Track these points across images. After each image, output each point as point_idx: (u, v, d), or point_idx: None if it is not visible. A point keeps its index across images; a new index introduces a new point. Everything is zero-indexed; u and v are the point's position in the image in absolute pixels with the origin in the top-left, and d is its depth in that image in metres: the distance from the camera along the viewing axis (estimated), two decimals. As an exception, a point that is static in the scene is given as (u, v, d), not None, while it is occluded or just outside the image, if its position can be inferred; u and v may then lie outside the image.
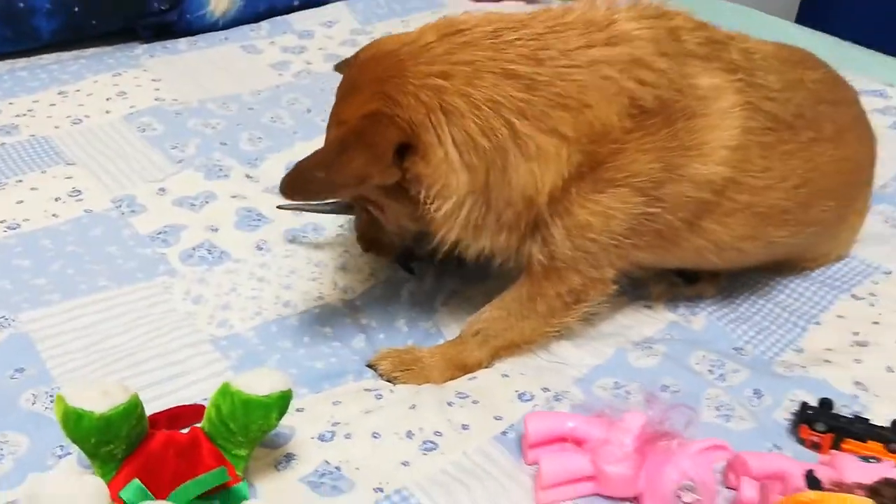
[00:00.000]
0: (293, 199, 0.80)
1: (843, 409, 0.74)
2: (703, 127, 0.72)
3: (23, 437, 0.66)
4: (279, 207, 0.97)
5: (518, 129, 0.67)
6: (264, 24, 1.54)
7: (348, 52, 1.36)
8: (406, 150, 0.68)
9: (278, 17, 1.56)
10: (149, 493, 0.50)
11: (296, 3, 1.59)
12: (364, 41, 1.43)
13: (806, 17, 2.42)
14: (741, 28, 1.57)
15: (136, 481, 0.52)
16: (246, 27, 1.52)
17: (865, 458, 0.66)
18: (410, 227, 0.79)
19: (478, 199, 0.69)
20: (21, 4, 1.31)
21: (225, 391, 0.58)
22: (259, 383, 0.57)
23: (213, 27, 1.50)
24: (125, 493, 0.50)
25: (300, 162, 0.68)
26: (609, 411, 0.67)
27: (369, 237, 0.86)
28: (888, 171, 1.15)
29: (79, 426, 0.53)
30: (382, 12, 1.63)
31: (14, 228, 0.92)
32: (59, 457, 0.63)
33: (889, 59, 1.56)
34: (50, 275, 0.85)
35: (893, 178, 1.15)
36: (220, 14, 1.50)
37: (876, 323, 0.87)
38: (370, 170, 0.67)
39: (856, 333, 0.86)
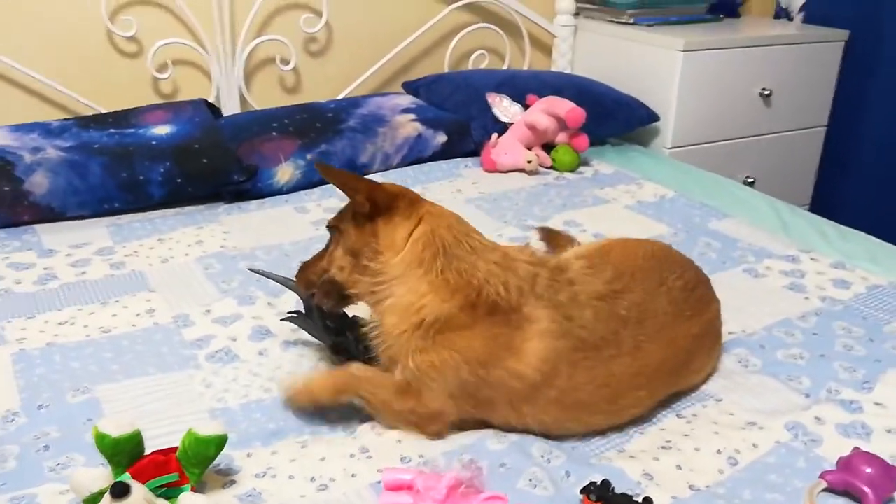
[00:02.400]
0: (321, 172, 1.16)
1: (628, 490, 1.04)
2: (523, 338, 1.07)
3: (82, 456, 1.07)
4: (249, 269, 1.41)
5: (438, 264, 1.09)
6: (317, 190, 2.03)
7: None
8: (381, 212, 1.12)
9: (328, 185, 2.05)
10: (132, 479, 0.89)
11: (343, 174, 2.08)
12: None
13: (818, 203, 2.76)
14: (761, 211, 1.93)
15: (127, 473, 0.91)
16: (303, 192, 2.01)
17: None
18: (337, 273, 1.16)
19: (392, 282, 1.10)
20: (141, 177, 1.85)
21: (188, 432, 0.97)
22: (206, 429, 0.97)
23: (279, 192, 2.00)
24: (118, 478, 0.90)
25: (336, 168, 1.17)
26: (436, 470, 1.01)
27: (306, 268, 1.22)
28: (759, 322, 1.44)
29: (101, 442, 0.94)
30: (409, 180, 2.09)
31: (107, 332, 1.38)
32: (102, 465, 1.03)
33: (874, 240, 1.80)
34: (121, 363, 1.29)
35: (763, 327, 1.42)
36: (283, 183, 2.01)
37: (686, 435, 1.15)
38: (361, 188, 1.11)
39: (668, 441, 1.14)
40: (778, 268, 1.65)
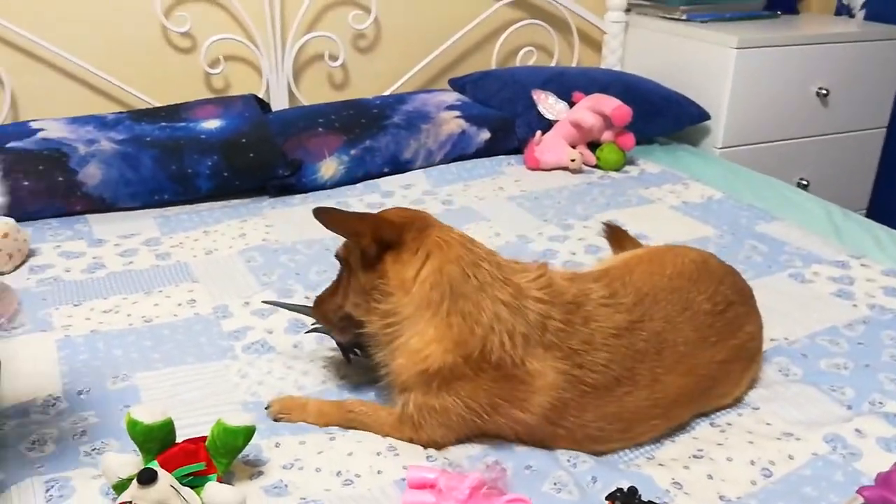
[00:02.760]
0: (320, 220, 1.06)
1: (655, 498, 1.02)
2: (527, 391, 1.05)
3: (117, 442, 1.10)
4: (264, 302, 1.41)
5: (445, 307, 1.05)
6: (359, 185, 2.04)
7: (414, 207, 1.82)
8: (389, 248, 1.07)
9: (370, 181, 2.07)
10: (161, 467, 0.92)
11: (385, 170, 2.09)
12: (430, 200, 1.92)
13: (875, 209, 2.66)
14: (813, 215, 1.87)
15: (156, 461, 0.94)
16: (346, 188, 2.03)
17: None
18: (352, 309, 1.12)
19: (403, 323, 1.08)
20: (189, 170, 1.89)
21: (218, 423, 0.99)
22: (236, 420, 0.98)
23: (322, 187, 2.02)
24: (149, 466, 0.92)
25: (334, 209, 1.08)
26: (460, 470, 1.01)
27: (321, 303, 1.18)
28: (803, 329, 1.40)
29: (133, 429, 0.96)
30: (451, 177, 2.09)
31: (149, 322, 1.41)
32: (134, 451, 1.05)
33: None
34: (161, 352, 1.32)
35: (807, 335, 1.37)
36: (327, 178, 2.03)
37: (719, 444, 1.12)
38: (365, 230, 1.06)
39: (700, 450, 1.12)
40: (826, 273, 1.60)
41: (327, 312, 1.18)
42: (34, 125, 1.99)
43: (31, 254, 1.66)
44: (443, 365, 1.04)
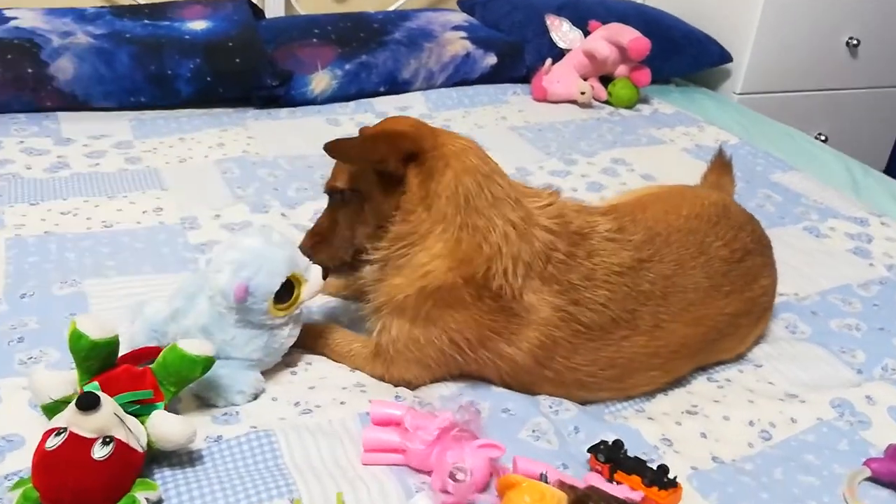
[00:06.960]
0: (334, 156, 0.97)
1: (642, 454, 0.93)
2: (519, 324, 0.95)
3: (57, 352, 1.00)
4: None
5: (458, 220, 0.94)
6: (352, 103, 1.91)
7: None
8: (412, 159, 0.95)
9: (364, 99, 1.93)
10: (101, 391, 0.81)
11: (381, 89, 1.95)
12: (427, 125, 1.79)
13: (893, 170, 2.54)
14: (831, 168, 1.75)
15: (95, 383, 0.83)
16: (337, 104, 1.90)
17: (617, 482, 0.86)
18: (363, 240, 1.00)
19: (414, 243, 0.96)
20: (169, 72, 1.76)
21: (173, 347, 0.87)
22: (193, 347, 0.87)
23: (312, 102, 1.89)
24: (87, 387, 0.82)
25: (343, 138, 0.96)
26: (431, 410, 0.91)
27: (324, 241, 1.03)
28: (814, 286, 1.30)
29: (77, 342, 0.84)
30: (451, 103, 1.96)
31: (109, 227, 1.30)
32: (70, 367, 0.95)
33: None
34: (117, 259, 1.21)
35: (818, 292, 1.28)
36: (318, 92, 1.89)
37: (716, 401, 1.03)
38: (387, 153, 0.94)
39: (694, 406, 1.03)
40: (843, 229, 1.48)
41: (336, 252, 1.03)
42: (8, 13, 1.85)
43: (-10, 148, 1.53)
44: (443, 283, 0.94)
